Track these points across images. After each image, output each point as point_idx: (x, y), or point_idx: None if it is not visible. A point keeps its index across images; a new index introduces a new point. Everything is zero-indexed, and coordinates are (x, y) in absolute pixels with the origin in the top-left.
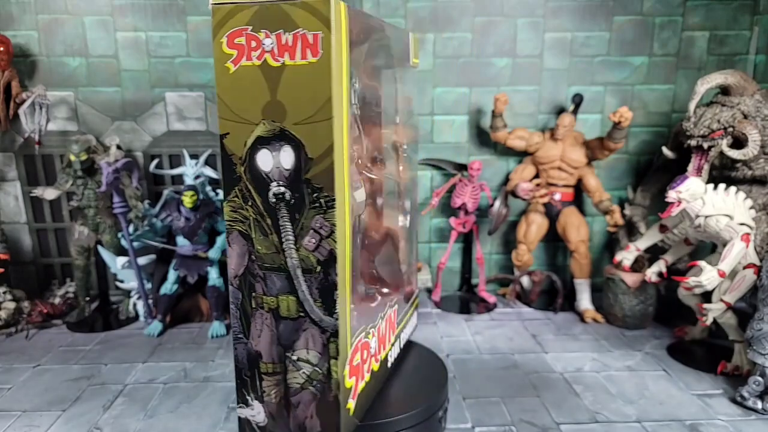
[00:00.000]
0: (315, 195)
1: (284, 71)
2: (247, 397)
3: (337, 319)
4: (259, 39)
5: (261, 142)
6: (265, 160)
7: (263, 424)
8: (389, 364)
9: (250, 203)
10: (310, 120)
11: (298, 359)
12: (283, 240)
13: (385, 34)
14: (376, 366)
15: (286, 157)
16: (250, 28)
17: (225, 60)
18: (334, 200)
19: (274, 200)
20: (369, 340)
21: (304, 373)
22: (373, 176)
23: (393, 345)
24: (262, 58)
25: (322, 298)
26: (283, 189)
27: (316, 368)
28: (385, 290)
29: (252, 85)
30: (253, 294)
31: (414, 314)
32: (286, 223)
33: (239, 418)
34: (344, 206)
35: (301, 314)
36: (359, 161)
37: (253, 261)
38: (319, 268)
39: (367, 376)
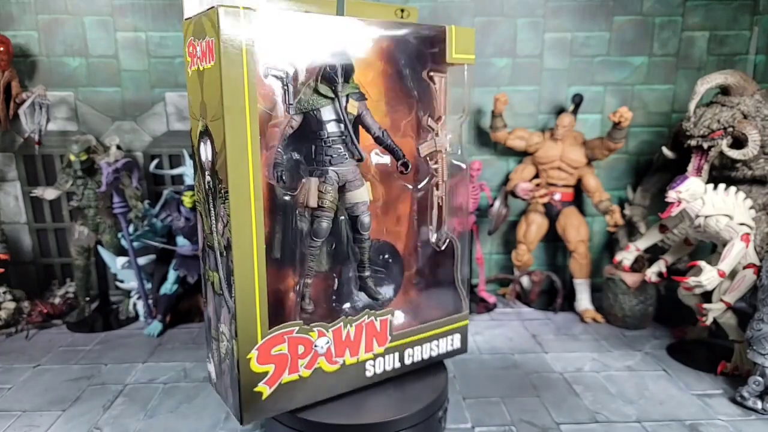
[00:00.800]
0: (220, 185)
1: (204, 75)
2: (209, 354)
3: (235, 302)
4: (195, 47)
5: (200, 136)
6: (202, 152)
7: (215, 381)
8: (368, 374)
9: (201, 188)
10: (215, 118)
11: (221, 332)
12: (212, 223)
13: (389, 34)
14: (329, 367)
15: (207, 150)
16: (193, 37)
17: (187, 65)
18: (228, 191)
19: (207, 187)
20: (311, 337)
21: (225, 344)
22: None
23: (381, 356)
24: (197, 64)
25: (227, 281)
26: (209, 178)
27: (228, 343)
28: (380, 296)
29: (194, 87)
30: (205, 266)
31: (455, 335)
32: (211, 209)
33: (208, 370)
34: (248, 198)
35: (221, 292)
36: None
37: (204, 238)
38: (225, 252)
39: (304, 371)
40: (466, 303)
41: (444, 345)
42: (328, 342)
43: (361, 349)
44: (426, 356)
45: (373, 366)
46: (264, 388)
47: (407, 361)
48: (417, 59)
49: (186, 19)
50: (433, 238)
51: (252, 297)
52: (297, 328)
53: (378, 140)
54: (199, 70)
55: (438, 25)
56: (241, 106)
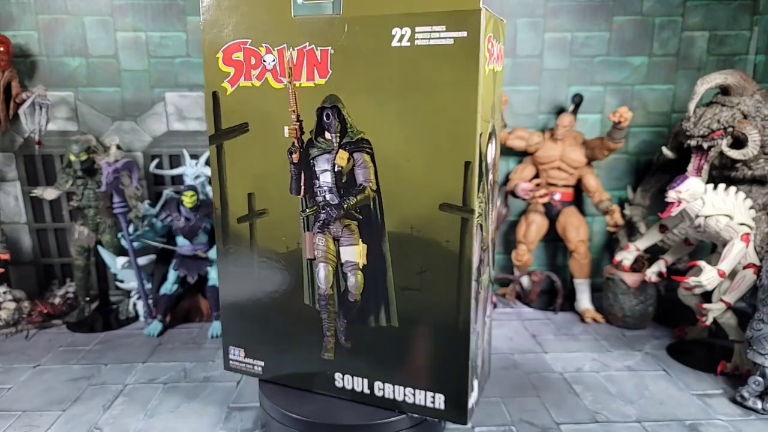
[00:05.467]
0: (496, 176)
1: (497, 77)
2: (473, 383)
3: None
4: (494, 46)
5: (490, 138)
6: (490, 152)
7: (476, 399)
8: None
9: (485, 195)
10: (497, 117)
11: (487, 317)
12: (489, 220)
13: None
14: None
15: (494, 149)
16: (492, 35)
17: (485, 63)
18: (498, 182)
19: (489, 188)
20: None
21: (488, 328)
22: None
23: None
24: (492, 64)
25: (493, 256)
26: (492, 176)
27: (490, 318)
28: None
29: (489, 88)
30: (479, 278)
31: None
32: (490, 206)
33: (468, 410)
34: None
35: (491, 279)
36: None
37: (482, 249)
38: (492, 236)
39: None
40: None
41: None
42: None
43: None
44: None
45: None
46: None
47: (377, 392)
48: None
49: (488, 9)
50: None
51: None
52: None
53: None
54: (495, 71)
55: None
56: None
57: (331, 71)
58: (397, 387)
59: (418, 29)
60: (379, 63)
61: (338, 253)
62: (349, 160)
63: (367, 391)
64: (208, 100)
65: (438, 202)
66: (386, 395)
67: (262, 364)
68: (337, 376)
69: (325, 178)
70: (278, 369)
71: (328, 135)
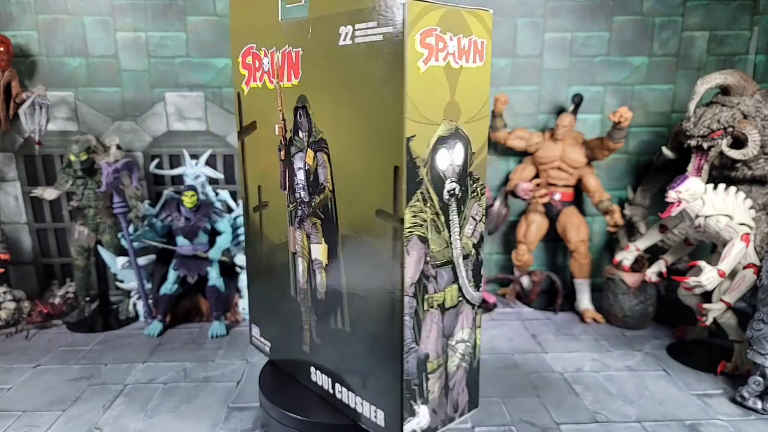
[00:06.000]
0: (474, 185)
1: (461, 73)
2: (414, 407)
3: (481, 289)
4: (445, 41)
5: (441, 141)
6: (443, 159)
7: (426, 426)
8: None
9: (428, 204)
10: (475, 118)
11: (456, 342)
12: (452, 233)
13: None
14: None
15: (458, 153)
16: (440, 29)
17: (417, 59)
18: (485, 186)
19: (447, 197)
20: None
21: (459, 353)
22: None
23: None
24: (446, 59)
25: (474, 277)
26: (454, 185)
27: (467, 343)
28: None
29: (438, 86)
30: (426, 296)
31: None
32: (455, 217)
33: (412, 429)
34: None
35: (460, 299)
36: None
37: (427, 263)
38: (473, 251)
39: None
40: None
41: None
42: None
43: None
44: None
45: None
46: None
47: (337, 395)
48: None
49: (412, 1)
50: None
51: None
52: None
53: None
54: (450, 66)
55: None
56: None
57: (301, 72)
58: (350, 393)
59: (356, 26)
60: (332, 62)
61: (310, 249)
62: (314, 159)
63: (330, 390)
64: (235, 100)
65: (375, 208)
66: (344, 399)
67: (270, 345)
68: (312, 369)
69: (300, 176)
70: (278, 352)
71: (300, 134)
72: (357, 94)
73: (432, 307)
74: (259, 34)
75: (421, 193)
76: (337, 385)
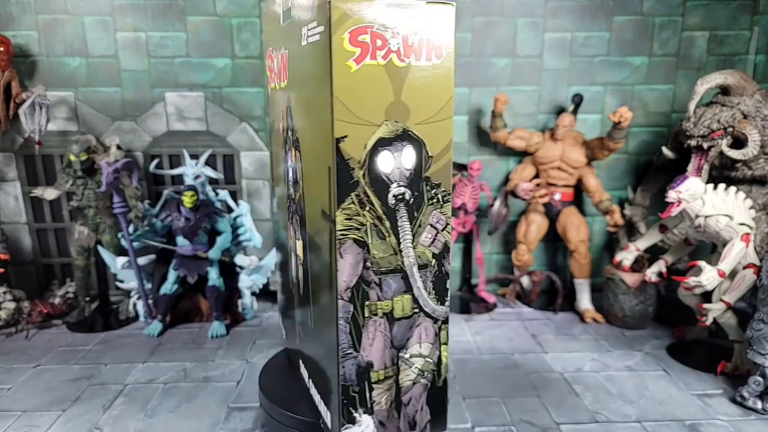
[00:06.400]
0: (433, 191)
1: (410, 72)
2: (355, 414)
3: (448, 305)
4: (385, 38)
5: (382, 143)
6: (385, 161)
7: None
8: None
9: (367, 208)
10: (432, 120)
11: (411, 356)
12: (401, 240)
13: None
14: None
15: (408, 156)
16: (375, 26)
17: (346, 58)
18: (449, 194)
19: (393, 201)
20: None
21: (416, 368)
22: None
23: None
24: (388, 57)
25: (436, 290)
26: (403, 189)
27: (428, 359)
28: None
29: (376, 85)
30: (367, 302)
31: None
32: (405, 223)
33: None
34: None
35: (416, 311)
36: None
37: (367, 268)
38: (434, 261)
39: None
40: None
41: None
42: None
43: None
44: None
45: None
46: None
47: (311, 390)
48: None
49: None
50: None
51: None
52: None
53: None
54: (394, 65)
55: None
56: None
57: (288, 73)
58: (315, 390)
59: (308, 26)
60: (298, 63)
61: (295, 244)
62: (295, 157)
63: (307, 386)
64: (265, 99)
65: (321, 208)
66: (313, 395)
67: (284, 332)
68: (300, 362)
69: (289, 173)
70: (287, 341)
71: (289, 133)
72: (308, 94)
73: (375, 314)
74: (272, 37)
75: (357, 195)
76: (311, 381)
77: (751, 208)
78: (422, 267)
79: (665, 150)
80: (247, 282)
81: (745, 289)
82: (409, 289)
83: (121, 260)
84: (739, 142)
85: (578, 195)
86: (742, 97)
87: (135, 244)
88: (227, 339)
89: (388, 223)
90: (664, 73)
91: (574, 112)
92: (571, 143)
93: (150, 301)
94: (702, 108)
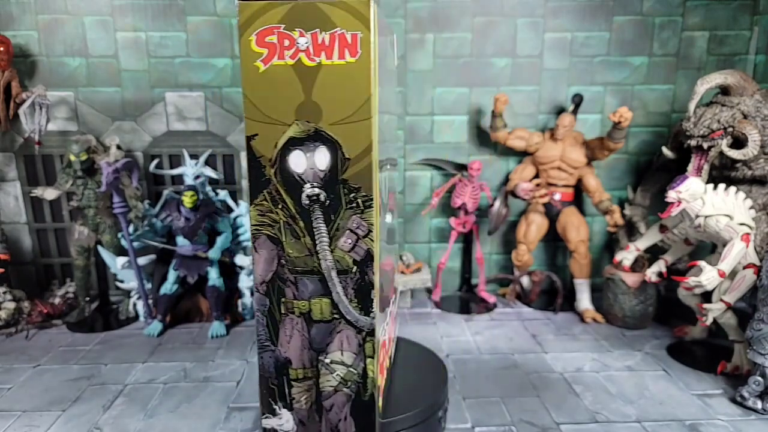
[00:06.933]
0: (352, 195)
1: (320, 71)
2: (274, 407)
3: (373, 318)
4: (293, 38)
5: (294, 143)
6: (298, 161)
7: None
8: (392, 361)
9: (280, 206)
10: (348, 120)
11: (332, 362)
12: (317, 242)
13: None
14: (388, 363)
15: (322, 157)
16: (283, 26)
17: (254, 59)
18: (372, 200)
19: (307, 202)
20: (385, 337)
21: (338, 375)
22: None
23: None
24: (296, 57)
25: (358, 298)
26: (317, 190)
27: (351, 369)
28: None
29: (285, 85)
30: (283, 299)
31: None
32: (321, 225)
33: (264, 429)
34: (379, 206)
35: (336, 316)
36: None
37: (282, 265)
38: (355, 268)
39: (385, 373)
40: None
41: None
42: (387, 339)
43: (391, 340)
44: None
45: (393, 353)
46: (380, 402)
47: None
48: None
49: (245, 2)
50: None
51: (378, 309)
52: (383, 331)
53: None
54: (303, 64)
55: None
56: (376, 105)
57: None
58: None
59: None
60: None
61: None
62: None
63: None
64: None
65: None
66: None
67: None
68: None
69: None
70: None
71: None
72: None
73: (292, 312)
74: None
75: (269, 193)
76: None
77: (751, 208)
78: (342, 272)
79: (665, 150)
80: (247, 282)
81: (745, 289)
82: (327, 292)
83: (121, 260)
84: (739, 142)
85: (578, 195)
86: (742, 97)
87: (135, 244)
88: (227, 339)
89: (302, 223)
90: (664, 73)
91: (574, 112)
92: (571, 143)
93: (150, 301)
94: (702, 108)
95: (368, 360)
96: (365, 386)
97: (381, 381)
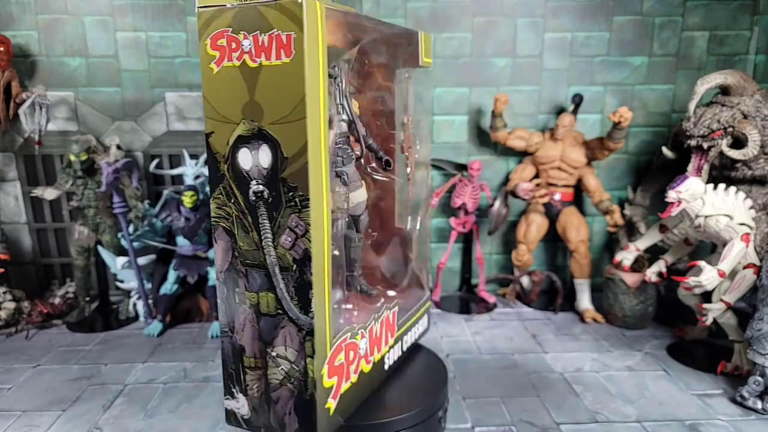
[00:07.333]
0: (291, 194)
1: (261, 72)
2: (233, 390)
3: (312, 318)
4: (238, 40)
5: (241, 141)
6: (245, 158)
7: (247, 417)
8: (386, 367)
9: (232, 200)
10: (285, 120)
11: (277, 355)
12: (263, 238)
13: (386, 34)
14: (366, 367)
15: (264, 156)
16: (231, 29)
17: (209, 61)
18: (308, 199)
19: (253, 198)
20: (357, 341)
21: (282, 369)
22: (379, 177)
23: (392, 347)
24: (242, 59)
25: (298, 297)
26: (261, 187)
27: (294, 366)
28: (391, 292)
29: (233, 86)
30: (237, 289)
31: (424, 317)
32: (265, 221)
33: (226, 409)
34: (321, 206)
35: (280, 311)
36: (360, 161)
37: (236, 257)
38: (295, 266)
39: (353, 377)
40: (426, 284)
41: (420, 328)
42: (366, 342)
43: (383, 344)
44: (412, 341)
45: (389, 358)
46: (331, 403)
47: (404, 348)
48: (392, 60)
49: (205, 8)
50: (408, 226)
51: (324, 309)
52: (349, 334)
53: (359, 139)
54: (247, 65)
55: (411, 30)
56: (319, 105)
57: None
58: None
59: None
60: None
61: None
62: None
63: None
64: None
65: None
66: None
67: None
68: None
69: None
70: None
71: None
72: None
73: (245, 303)
74: None
75: (224, 187)
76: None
77: (751, 208)
78: (284, 269)
79: (665, 150)
80: None
81: (745, 289)
82: (272, 287)
83: (121, 260)
84: (739, 142)
85: (578, 195)
86: (742, 97)
87: (135, 244)
88: None
89: (250, 219)
90: (664, 73)
91: (574, 112)
92: (571, 143)
93: (150, 301)
94: (702, 108)
95: (308, 360)
96: (307, 386)
97: (337, 383)
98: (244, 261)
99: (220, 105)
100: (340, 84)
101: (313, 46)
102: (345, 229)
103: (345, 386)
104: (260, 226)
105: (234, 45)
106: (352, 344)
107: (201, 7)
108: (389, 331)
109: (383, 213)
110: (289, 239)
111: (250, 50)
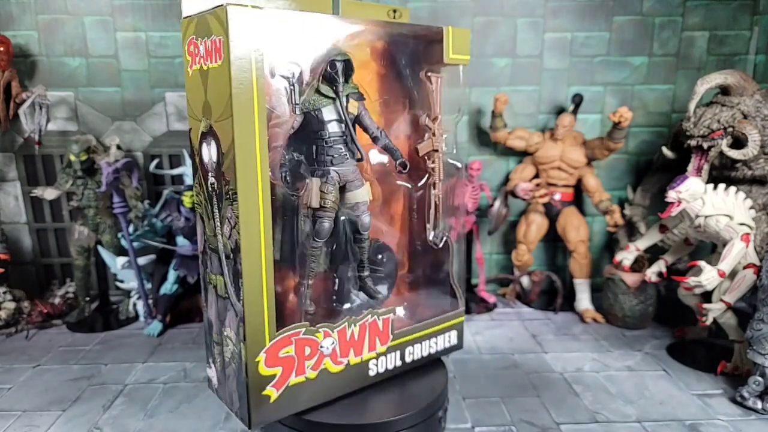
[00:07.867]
0: (227, 187)
1: (209, 74)
2: (210, 359)
3: (241, 304)
4: (198, 46)
5: (203, 136)
6: (205, 152)
7: (216, 387)
8: (371, 373)
9: (202, 189)
10: (222, 118)
11: (227, 336)
12: (215, 225)
13: (386, 34)
14: (334, 368)
15: (213, 150)
16: (195, 36)
17: (186, 65)
18: (236, 193)
19: (209, 189)
20: (317, 338)
21: (230, 349)
22: (402, 182)
23: (383, 355)
24: (199, 63)
25: (234, 284)
26: (213, 179)
27: (234, 347)
28: (380, 295)
29: (196, 87)
30: (207, 270)
31: (451, 332)
32: (215, 211)
33: (208, 377)
34: (253, 199)
35: (226, 296)
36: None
37: (206, 241)
38: (232, 255)
39: (311, 373)
40: (462, 300)
41: (442, 342)
42: (333, 342)
43: (365, 349)
44: (425, 353)
45: (376, 365)
46: (272, 391)
47: (408, 359)
48: (414, 59)
49: (185, 18)
50: (431, 236)
51: (260, 299)
52: (303, 329)
53: (375, 140)
54: (203, 69)
55: (435, 26)
56: (249, 105)
57: None
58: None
59: None
60: None
61: None
62: None
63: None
64: None
65: None
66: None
67: None
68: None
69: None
70: None
71: None
72: None
73: (211, 283)
74: None
75: (198, 178)
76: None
77: (751, 208)
78: (227, 257)
79: (665, 150)
80: None
81: (745, 289)
82: (222, 272)
83: (121, 260)
84: (739, 142)
85: (578, 195)
86: (742, 97)
87: (135, 244)
88: None
89: (209, 207)
90: (664, 73)
91: (574, 112)
92: (571, 143)
93: (150, 301)
94: (702, 108)
95: (241, 344)
96: (241, 369)
97: (282, 373)
98: (209, 245)
99: (193, 105)
100: (295, 85)
101: (242, 50)
102: (345, 228)
103: (296, 379)
104: (214, 214)
105: (195, 50)
106: (307, 340)
107: (185, 17)
108: (378, 337)
109: (395, 218)
110: (227, 229)
111: (203, 55)
